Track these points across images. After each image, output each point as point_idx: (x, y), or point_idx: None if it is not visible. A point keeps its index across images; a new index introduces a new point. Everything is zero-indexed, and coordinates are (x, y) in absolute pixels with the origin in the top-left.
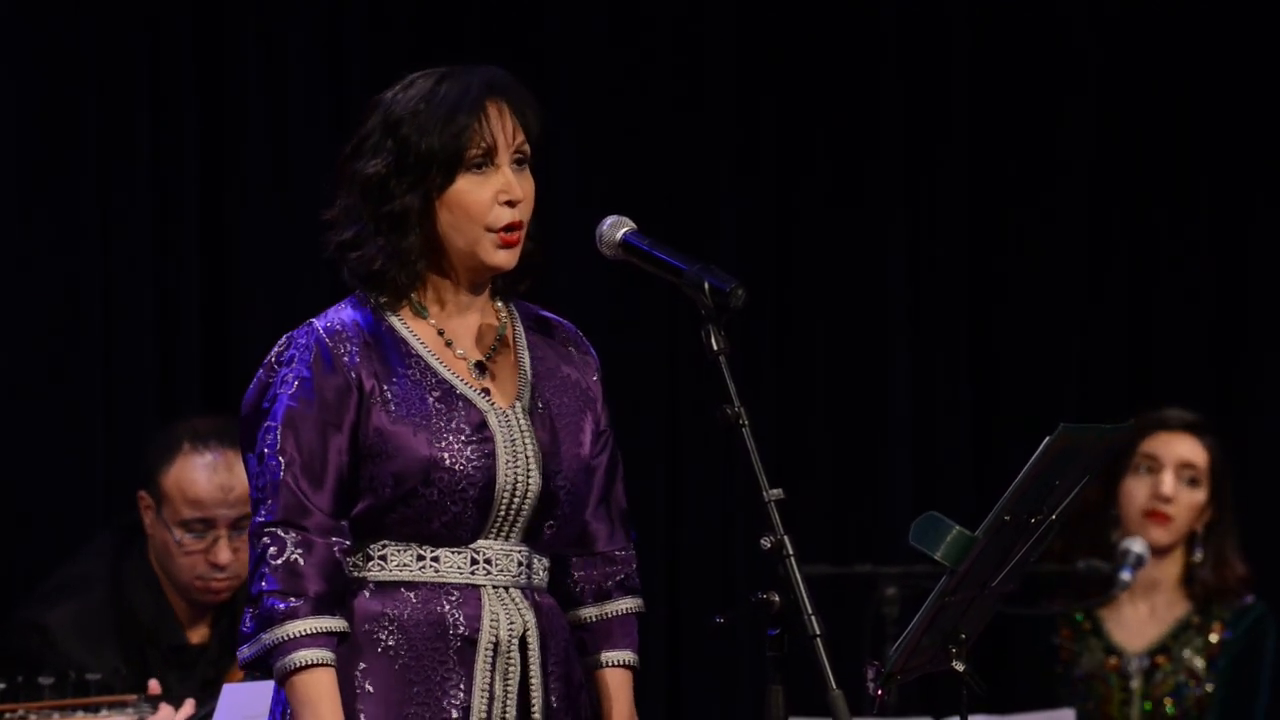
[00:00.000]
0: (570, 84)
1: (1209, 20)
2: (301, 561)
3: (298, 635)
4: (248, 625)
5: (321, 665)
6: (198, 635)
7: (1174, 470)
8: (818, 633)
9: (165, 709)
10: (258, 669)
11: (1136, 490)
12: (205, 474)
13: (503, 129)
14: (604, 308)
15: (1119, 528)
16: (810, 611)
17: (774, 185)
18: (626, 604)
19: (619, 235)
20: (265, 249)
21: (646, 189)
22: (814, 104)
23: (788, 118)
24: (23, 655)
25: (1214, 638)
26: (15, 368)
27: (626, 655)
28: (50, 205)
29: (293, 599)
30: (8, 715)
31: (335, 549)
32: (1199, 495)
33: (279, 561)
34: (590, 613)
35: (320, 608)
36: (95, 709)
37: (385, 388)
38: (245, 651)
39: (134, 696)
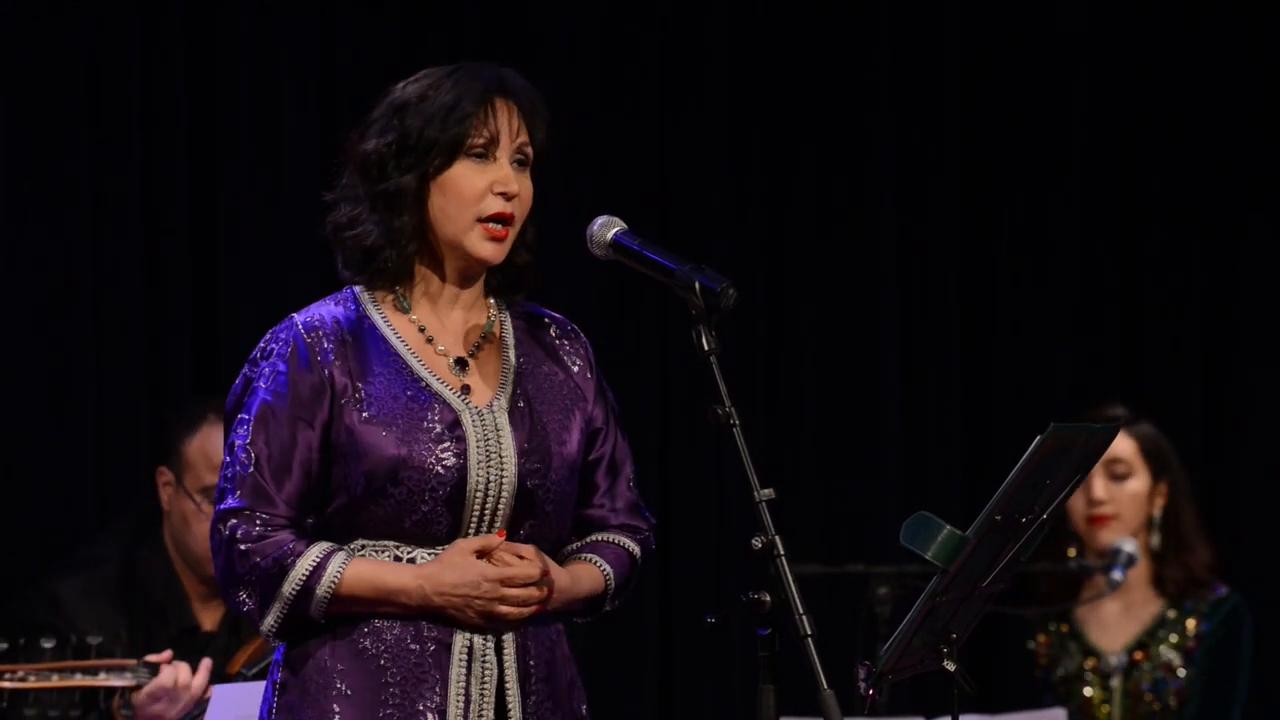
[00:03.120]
0: (562, 83)
1: (1201, 33)
2: (272, 530)
3: (312, 565)
4: (251, 602)
5: (349, 564)
6: (209, 621)
7: (1101, 470)
8: (809, 632)
9: (181, 668)
10: (290, 633)
11: (1075, 501)
12: None
13: (508, 125)
14: (595, 308)
15: (1076, 541)
16: (801, 611)
17: (767, 184)
18: (615, 536)
19: (610, 235)
20: (256, 248)
21: (638, 189)
22: (807, 103)
23: (780, 118)
24: (33, 622)
25: (1190, 631)
26: (5, 369)
27: (592, 556)
28: (40, 202)
29: (285, 547)
30: (8, 676)
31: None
32: (1135, 486)
33: (255, 532)
34: (573, 545)
35: (310, 541)
36: (94, 672)
37: (359, 386)
38: (270, 621)
39: (133, 661)
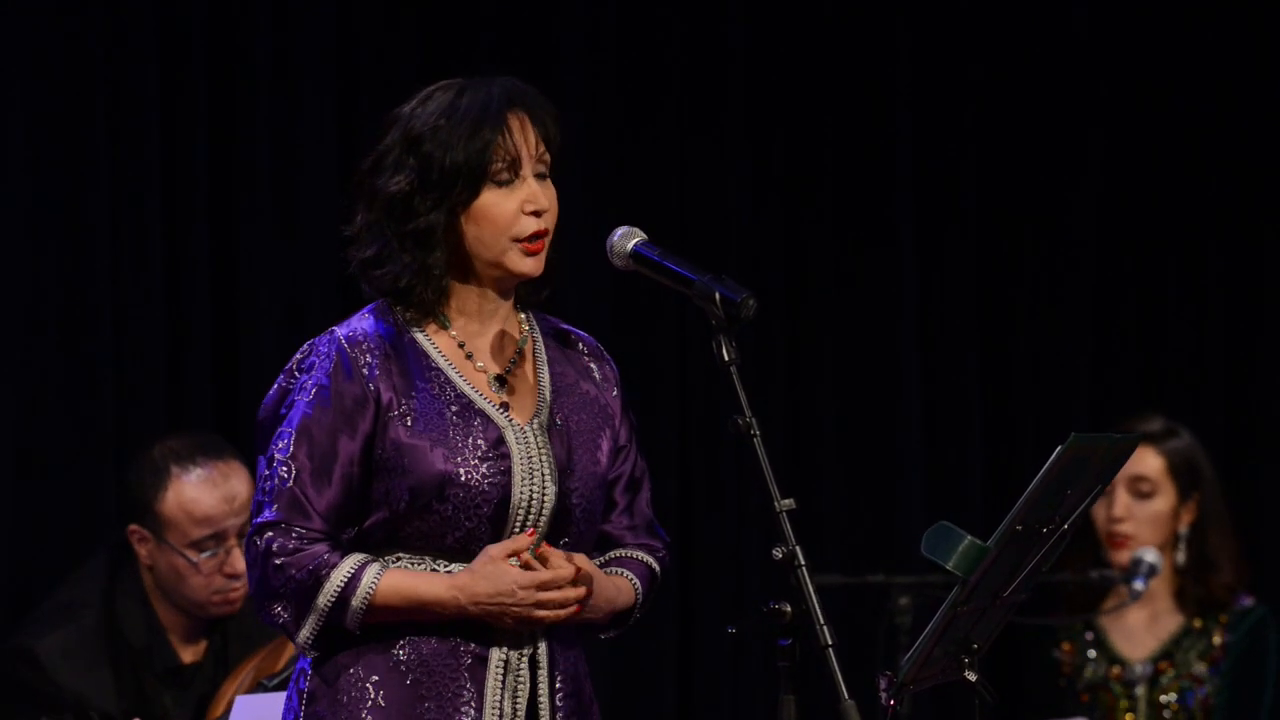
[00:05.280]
0: (582, 97)
1: (1219, 43)
2: (308, 542)
3: (347, 576)
4: (287, 615)
5: (383, 575)
6: (191, 654)
7: (1125, 487)
8: (830, 643)
9: None
10: (325, 646)
11: (1098, 514)
12: (205, 490)
13: (525, 141)
14: (614, 317)
15: (1098, 551)
16: (822, 621)
17: (786, 195)
18: (637, 553)
19: (630, 246)
20: (274, 266)
21: (657, 200)
22: (827, 114)
23: (799, 130)
24: (15, 684)
25: (1216, 641)
26: (26, 392)
27: (624, 571)
28: (60, 221)
29: (319, 559)
30: None
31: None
32: (1156, 505)
33: (290, 545)
34: (595, 560)
35: (344, 552)
36: None
37: (404, 401)
38: (306, 633)
39: None
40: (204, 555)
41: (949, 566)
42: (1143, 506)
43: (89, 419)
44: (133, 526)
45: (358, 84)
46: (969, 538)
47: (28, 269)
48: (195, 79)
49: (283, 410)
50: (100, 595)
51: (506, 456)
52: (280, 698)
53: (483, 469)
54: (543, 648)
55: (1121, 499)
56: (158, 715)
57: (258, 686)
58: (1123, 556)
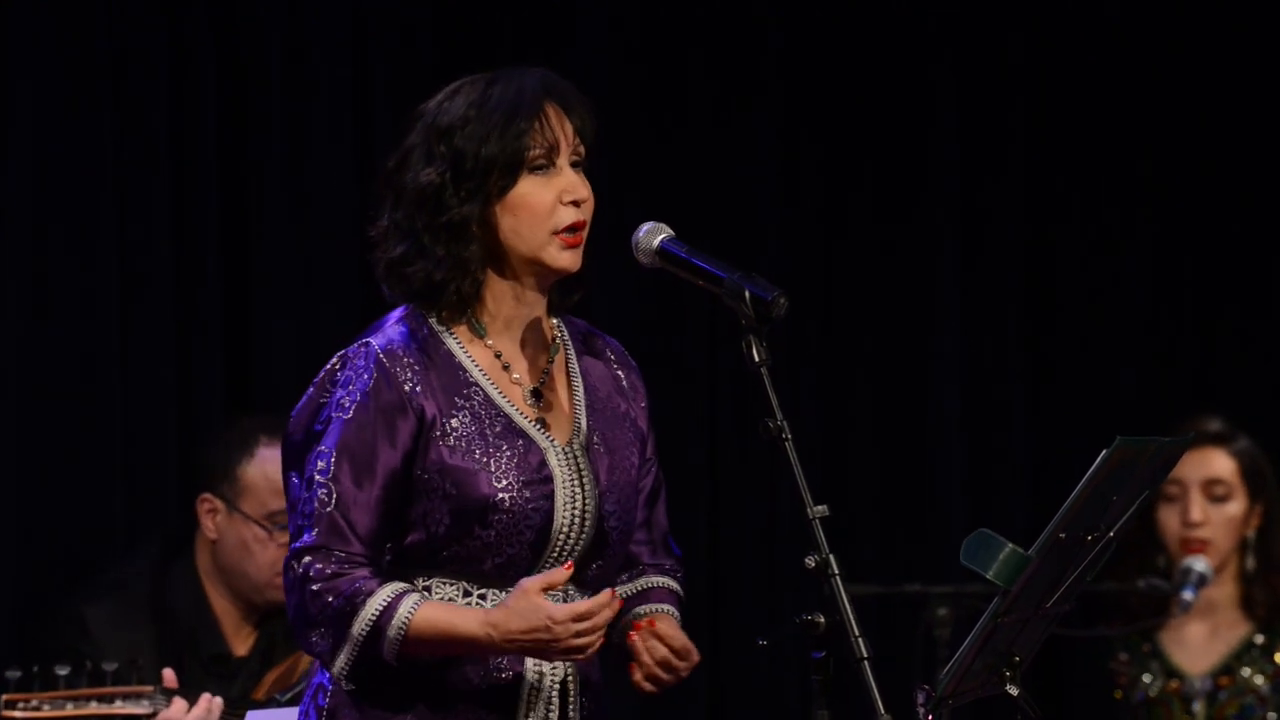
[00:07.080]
0: (607, 94)
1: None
2: (348, 567)
3: (383, 605)
4: (324, 643)
5: (420, 607)
6: (241, 647)
7: (1200, 491)
8: (865, 655)
9: (178, 703)
10: (360, 676)
11: (1168, 520)
12: None
13: (562, 130)
14: (641, 319)
15: (1164, 553)
16: (857, 633)
17: (820, 194)
18: (663, 579)
19: (656, 242)
20: (287, 265)
21: (688, 198)
22: (864, 109)
23: (835, 126)
24: (59, 646)
25: (1279, 658)
26: (33, 391)
27: (665, 606)
28: (68, 220)
29: (356, 585)
30: (21, 704)
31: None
32: (1232, 508)
33: (329, 570)
34: (623, 589)
35: (384, 580)
36: (110, 699)
37: (446, 420)
38: (342, 662)
39: (150, 688)
40: (278, 529)
41: (989, 576)
42: (1219, 510)
43: (94, 417)
44: (204, 495)
45: (373, 67)
46: (1010, 546)
47: (33, 271)
48: (204, 64)
49: (316, 426)
50: (151, 573)
51: (549, 480)
52: (292, 714)
53: (526, 493)
54: (573, 673)
55: (1198, 503)
56: (197, 699)
57: (270, 701)
58: (1199, 563)
